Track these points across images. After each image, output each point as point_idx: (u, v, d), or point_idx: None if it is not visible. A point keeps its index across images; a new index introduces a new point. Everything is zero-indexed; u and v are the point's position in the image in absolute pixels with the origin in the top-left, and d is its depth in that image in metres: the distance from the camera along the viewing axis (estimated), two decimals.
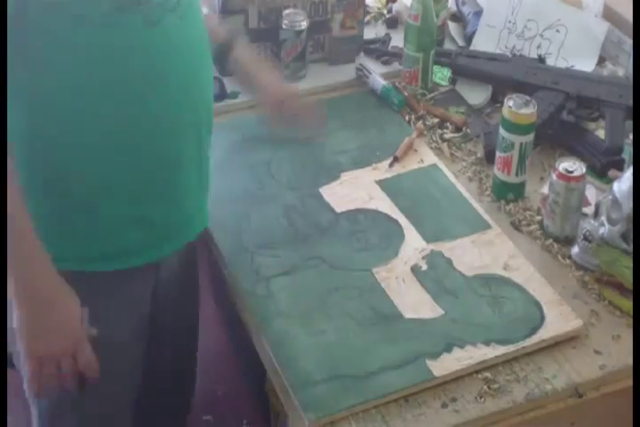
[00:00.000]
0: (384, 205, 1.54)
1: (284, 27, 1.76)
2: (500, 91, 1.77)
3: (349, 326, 1.34)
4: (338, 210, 1.53)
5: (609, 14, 1.87)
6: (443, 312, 1.36)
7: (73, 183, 1.27)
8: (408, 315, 1.36)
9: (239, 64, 1.54)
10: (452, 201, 1.55)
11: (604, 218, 1.39)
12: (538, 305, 1.37)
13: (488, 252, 1.46)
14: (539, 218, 1.53)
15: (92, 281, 1.31)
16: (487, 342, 1.31)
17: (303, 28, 1.77)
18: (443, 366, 1.28)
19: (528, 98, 1.52)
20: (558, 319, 1.34)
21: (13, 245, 1.15)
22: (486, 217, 1.52)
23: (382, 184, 1.58)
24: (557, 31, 1.85)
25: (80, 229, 1.30)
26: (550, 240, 1.49)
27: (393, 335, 1.33)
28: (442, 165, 1.63)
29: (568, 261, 1.46)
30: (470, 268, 1.43)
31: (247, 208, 1.53)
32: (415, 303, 1.37)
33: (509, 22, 1.88)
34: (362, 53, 1.90)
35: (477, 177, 1.62)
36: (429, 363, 1.28)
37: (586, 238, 1.42)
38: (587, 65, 1.81)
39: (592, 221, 1.41)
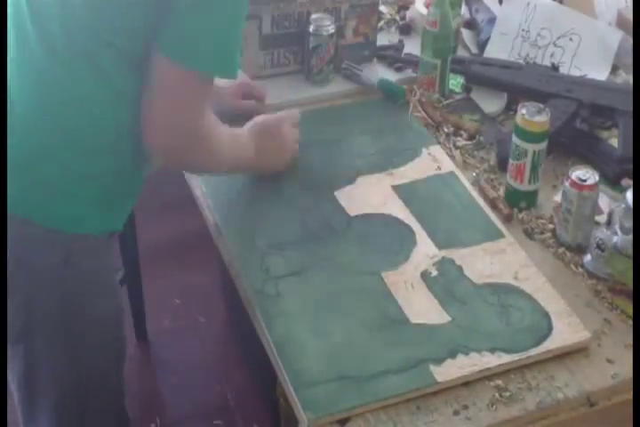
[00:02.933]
0: (398, 210, 1.54)
1: (312, 32, 1.77)
2: (513, 98, 1.76)
3: (355, 329, 1.34)
4: (351, 213, 1.53)
5: (623, 23, 1.87)
6: (449, 319, 1.36)
7: None
8: (414, 320, 1.35)
9: None
10: (467, 208, 1.55)
11: (617, 227, 1.38)
12: (546, 315, 1.36)
13: (499, 260, 1.45)
14: (551, 226, 1.52)
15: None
16: (492, 350, 1.31)
17: (332, 31, 1.78)
18: (446, 371, 1.27)
19: (541, 106, 1.52)
20: (566, 330, 1.34)
21: None
22: (499, 225, 1.52)
23: (398, 189, 1.58)
24: (571, 40, 1.85)
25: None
26: (563, 249, 1.48)
27: (398, 339, 1.32)
28: (459, 173, 1.62)
29: (581, 269, 1.45)
30: (480, 276, 1.43)
31: (262, 209, 1.54)
32: (422, 309, 1.37)
33: (523, 30, 1.88)
34: (375, 60, 1.90)
35: (490, 185, 1.62)
36: (432, 368, 1.28)
37: (599, 247, 1.41)
38: (600, 74, 1.81)
39: (605, 230, 1.41)
